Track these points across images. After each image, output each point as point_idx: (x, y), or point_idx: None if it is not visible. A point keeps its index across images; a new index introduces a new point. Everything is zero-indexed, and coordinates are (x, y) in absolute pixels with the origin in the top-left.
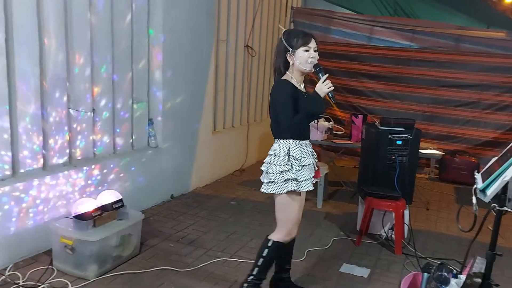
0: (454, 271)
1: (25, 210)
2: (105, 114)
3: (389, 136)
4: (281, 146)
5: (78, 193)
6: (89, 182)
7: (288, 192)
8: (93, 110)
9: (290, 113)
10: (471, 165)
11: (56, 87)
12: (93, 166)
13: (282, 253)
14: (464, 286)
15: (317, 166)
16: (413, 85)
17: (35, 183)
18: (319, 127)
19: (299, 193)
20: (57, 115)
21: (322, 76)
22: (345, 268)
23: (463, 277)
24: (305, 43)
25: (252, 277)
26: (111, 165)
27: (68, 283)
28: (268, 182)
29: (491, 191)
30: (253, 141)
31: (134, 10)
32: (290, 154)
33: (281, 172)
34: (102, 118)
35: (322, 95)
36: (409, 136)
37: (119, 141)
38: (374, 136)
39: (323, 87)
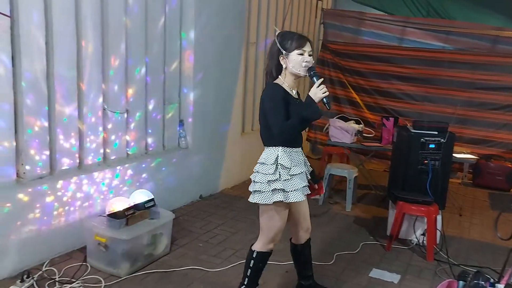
0: (492, 280)
1: (62, 207)
2: (138, 115)
3: (422, 139)
4: (269, 154)
5: (112, 192)
6: (122, 181)
7: (275, 203)
8: (127, 111)
9: (282, 118)
10: (506, 170)
11: (92, 89)
12: (126, 166)
13: (266, 262)
14: None
15: (318, 180)
16: (447, 87)
17: (71, 181)
18: (349, 130)
19: (287, 204)
20: (92, 116)
21: (317, 80)
22: (375, 273)
23: (501, 286)
24: (300, 46)
25: (244, 286)
26: (143, 165)
27: (101, 279)
28: (254, 191)
29: None
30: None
31: (167, 13)
32: (279, 162)
33: (268, 181)
34: (135, 119)
35: (316, 100)
36: (442, 140)
37: (151, 141)
38: (406, 139)
39: (318, 92)
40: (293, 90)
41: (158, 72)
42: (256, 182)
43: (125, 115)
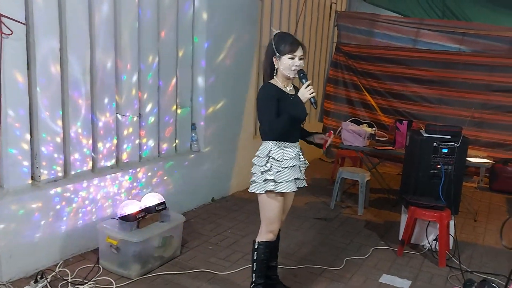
0: None
1: (75, 209)
2: (150, 119)
3: (434, 143)
4: (264, 147)
5: (124, 195)
6: (135, 184)
7: (268, 192)
8: (140, 115)
9: (272, 115)
10: None
11: (105, 93)
12: (138, 169)
13: (269, 252)
14: None
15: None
16: (462, 90)
17: (84, 184)
18: (361, 133)
19: (280, 194)
20: (105, 119)
21: (305, 82)
22: (385, 279)
23: None
24: (291, 51)
25: (253, 284)
26: (155, 168)
27: (113, 281)
28: (252, 182)
29: None
30: None
31: (179, 18)
32: (270, 155)
33: (262, 172)
34: (147, 123)
35: (303, 100)
36: (455, 144)
37: (163, 145)
38: (418, 143)
39: (305, 92)
40: (288, 87)
41: (170, 77)
42: (253, 173)
43: (138, 119)
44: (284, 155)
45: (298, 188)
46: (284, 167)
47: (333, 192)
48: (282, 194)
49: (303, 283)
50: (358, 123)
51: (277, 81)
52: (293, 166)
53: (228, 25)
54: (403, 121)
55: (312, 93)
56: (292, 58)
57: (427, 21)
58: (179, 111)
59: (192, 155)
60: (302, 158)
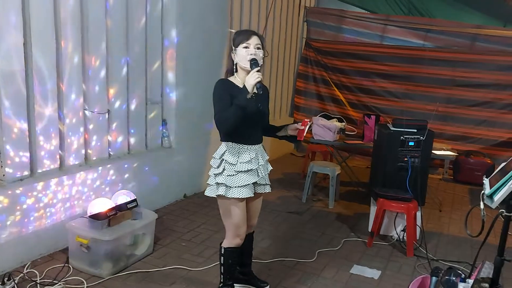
0: (463, 276)
1: (43, 209)
2: (119, 115)
3: (401, 137)
4: (219, 149)
5: (94, 193)
6: (104, 182)
7: (219, 197)
8: (108, 111)
9: (221, 109)
10: (485, 166)
11: (72, 89)
12: (108, 166)
13: (236, 257)
14: None
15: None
16: (427, 85)
17: (52, 183)
18: (331, 128)
19: (239, 199)
20: (73, 116)
21: (255, 68)
22: (356, 269)
23: (471, 281)
24: (244, 40)
25: (221, 284)
26: (126, 165)
27: (84, 280)
28: (207, 184)
29: (498, 197)
30: (264, 141)
31: (148, 13)
32: (224, 157)
33: (215, 175)
34: (117, 119)
35: (249, 88)
36: (421, 138)
37: (133, 141)
38: (386, 137)
39: (250, 78)
40: None
41: (140, 72)
42: (209, 175)
43: (107, 115)
44: (239, 158)
45: (259, 193)
46: (238, 171)
47: (304, 186)
48: (242, 198)
49: (276, 276)
50: (328, 117)
51: (236, 77)
52: (249, 170)
53: (199, 20)
54: (371, 116)
55: (257, 78)
56: (246, 47)
57: (393, 17)
58: (149, 107)
59: (163, 152)
60: (262, 162)
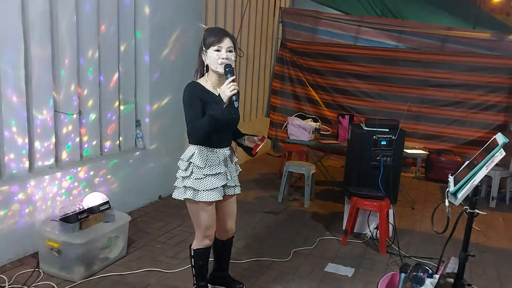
0: (430, 271)
1: (11, 212)
2: (91, 116)
3: (374, 137)
4: (187, 151)
5: (65, 196)
6: (76, 184)
7: (189, 200)
8: (80, 112)
9: (193, 117)
10: (456, 164)
11: (41, 90)
12: (79, 169)
13: (206, 258)
14: (438, 286)
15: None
16: (400, 85)
17: (21, 186)
18: (307, 128)
19: (208, 202)
20: (43, 117)
21: (230, 77)
22: (330, 267)
23: (437, 276)
24: (216, 42)
25: (195, 286)
26: (98, 167)
27: (55, 285)
28: (174, 186)
29: (461, 195)
30: None
31: (120, 13)
32: (192, 160)
33: (183, 178)
34: (88, 120)
35: (224, 99)
36: (393, 137)
37: (106, 143)
38: (359, 136)
39: (226, 90)
40: (218, 88)
41: (112, 72)
42: (177, 177)
43: (78, 116)
44: (208, 162)
45: (229, 195)
46: (206, 174)
47: (280, 186)
48: (211, 202)
49: (252, 276)
50: (303, 117)
51: (207, 80)
52: (218, 173)
53: (172, 20)
54: (345, 116)
55: (233, 90)
56: (218, 50)
57: (367, 19)
58: (122, 107)
59: (137, 153)
60: (231, 164)
